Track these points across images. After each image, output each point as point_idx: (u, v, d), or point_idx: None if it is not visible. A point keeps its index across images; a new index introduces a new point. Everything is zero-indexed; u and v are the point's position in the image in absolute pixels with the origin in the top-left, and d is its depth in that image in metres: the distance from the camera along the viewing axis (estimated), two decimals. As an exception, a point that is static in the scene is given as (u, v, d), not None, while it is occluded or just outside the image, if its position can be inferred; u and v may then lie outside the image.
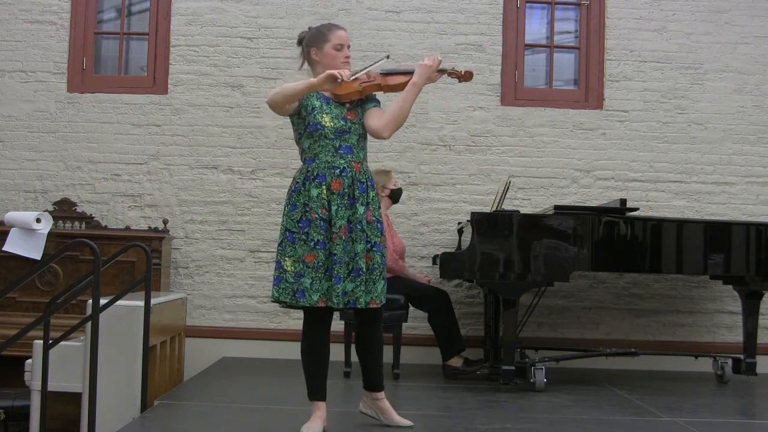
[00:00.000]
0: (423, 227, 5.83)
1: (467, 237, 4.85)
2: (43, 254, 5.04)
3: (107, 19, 6.10)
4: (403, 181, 5.69)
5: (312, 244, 3.25)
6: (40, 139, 5.82)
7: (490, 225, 4.58)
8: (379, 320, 3.44)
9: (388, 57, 3.58)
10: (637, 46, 5.92)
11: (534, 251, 4.55)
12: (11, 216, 5.14)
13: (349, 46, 3.44)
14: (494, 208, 4.97)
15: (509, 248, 4.55)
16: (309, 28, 3.51)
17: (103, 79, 5.93)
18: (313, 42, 3.44)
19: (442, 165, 5.83)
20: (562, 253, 4.57)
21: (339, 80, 3.21)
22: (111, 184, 5.80)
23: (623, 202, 4.79)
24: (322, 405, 3.38)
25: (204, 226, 5.79)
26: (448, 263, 4.59)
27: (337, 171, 3.30)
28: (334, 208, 3.27)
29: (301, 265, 3.25)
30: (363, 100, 3.42)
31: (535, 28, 6.14)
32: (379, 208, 3.41)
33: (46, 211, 5.49)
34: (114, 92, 5.84)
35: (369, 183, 3.38)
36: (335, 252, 3.24)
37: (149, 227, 5.66)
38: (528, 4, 6.02)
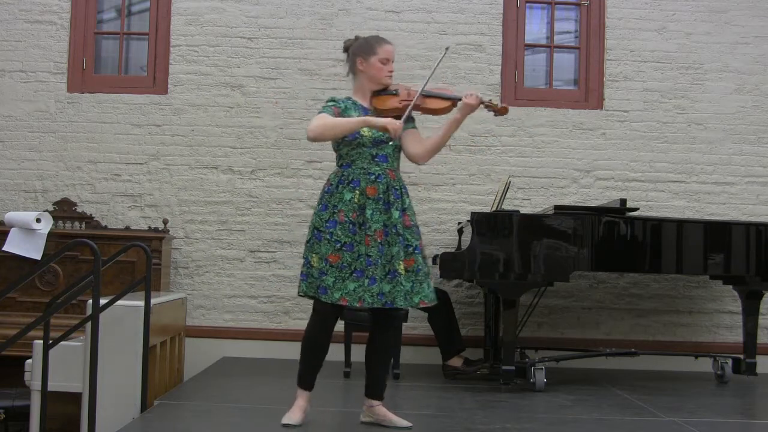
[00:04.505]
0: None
1: (467, 237, 4.85)
2: (43, 254, 5.05)
3: (107, 19, 6.10)
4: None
5: (338, 245, 3.35)
6: (40, 139, 5.82)
7: (490, 225, 4.58)
8: (395, 326, 3.57)
9: (447, 49, 3.67)
10: (637, 46, 5.91)
11: (534, 251, 4.55)
12: (11, 216, 5.15)
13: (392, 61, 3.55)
14: (494, 208, 4.97)
15: (509, 248, 4.55)
16: (356, 38, 3.61)
17: (103, 79, 5.93)
18: (360, 52, 3.54)
19: (442, 165, 5.82)
20: (562, 253, 4.57)
21: (394, 134, 3.33)
22: (111, 184, 5.80)
23: (623, 202, 4.79)
24: (306, 395, 3.49)
25: (204, 226, 5.79)
26: (448, 263, 4.59)
27: (372, 177, 3.43)
28: (368, 212, 3.38)
29: (325, 264, 3.35)
30: (400, 117, 3.47)
31: (535, 28, 6.14)
32: (415, 214, 3.53)
33: (46, 211, 5.49)
34: (114, 92, 5.84)
35: (403, 190, 3.51)
36: (370, 254, 3.35)
37: (149, 227, 5.66)
38: (528, 4, 6.02)
